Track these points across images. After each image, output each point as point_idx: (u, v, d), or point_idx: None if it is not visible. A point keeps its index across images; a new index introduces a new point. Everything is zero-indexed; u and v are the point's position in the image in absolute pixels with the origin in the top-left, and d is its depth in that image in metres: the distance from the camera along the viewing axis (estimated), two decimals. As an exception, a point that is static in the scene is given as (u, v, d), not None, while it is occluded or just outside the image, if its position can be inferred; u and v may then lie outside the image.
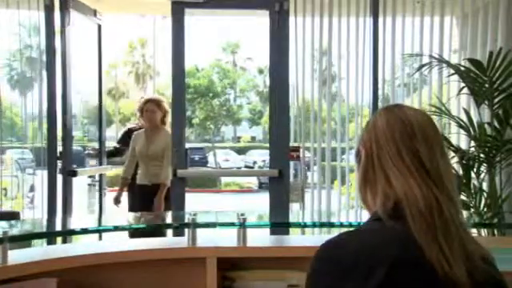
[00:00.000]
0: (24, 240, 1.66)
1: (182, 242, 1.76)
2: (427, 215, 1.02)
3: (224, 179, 18.41)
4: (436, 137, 1.13)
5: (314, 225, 2.09)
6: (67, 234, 1.98)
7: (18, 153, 6.81)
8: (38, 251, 1.62)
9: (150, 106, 4.76)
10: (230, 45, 25.90)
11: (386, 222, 1.05)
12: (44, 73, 4.24)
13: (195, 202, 4.61)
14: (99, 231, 1.84)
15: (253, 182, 18.07)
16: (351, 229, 1.13)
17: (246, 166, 23.15)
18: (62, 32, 4.24)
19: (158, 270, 1.72)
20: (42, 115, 4.22)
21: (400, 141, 1.10)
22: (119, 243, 1.73)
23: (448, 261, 0.99)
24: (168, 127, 4.73)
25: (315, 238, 2.03)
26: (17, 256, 1.53)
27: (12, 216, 4.02)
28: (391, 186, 1.07)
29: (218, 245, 1.75)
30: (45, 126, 4.23)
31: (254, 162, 23.34)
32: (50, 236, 1.83)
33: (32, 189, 5.14)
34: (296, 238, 2.17)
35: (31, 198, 5.30)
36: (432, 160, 1.08)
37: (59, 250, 1.74)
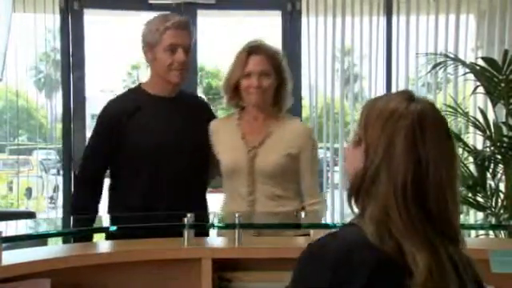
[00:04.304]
0: (17, 241, 1.68)
1: (179, 242, 1.75)
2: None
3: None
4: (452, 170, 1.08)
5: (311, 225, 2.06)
6: (63, 235, 2.01)
7: (44, 154, 6.92)
8: (34, 251, 1.64)
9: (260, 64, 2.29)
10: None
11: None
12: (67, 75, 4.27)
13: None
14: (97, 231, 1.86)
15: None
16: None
17: (268, 167, 23.14)
18: (77, 32, 4.29)
19: (154, 270, 1.73)
20: (67, 116, 4.25)
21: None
22: (114, 243, 1.75)
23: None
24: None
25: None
26: (11, 256, 1.55)
27: (28, 216, 4.09)
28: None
29: (215, 245, 1.75)
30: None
31: (276, 162, 23.22)
32: (42, 237, 1.85)
33: (55, 189, 5.22)
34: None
35: (54, 199, 5.38)
36: (439, 203, 1.04)
37: (54, 250, 1.77)
